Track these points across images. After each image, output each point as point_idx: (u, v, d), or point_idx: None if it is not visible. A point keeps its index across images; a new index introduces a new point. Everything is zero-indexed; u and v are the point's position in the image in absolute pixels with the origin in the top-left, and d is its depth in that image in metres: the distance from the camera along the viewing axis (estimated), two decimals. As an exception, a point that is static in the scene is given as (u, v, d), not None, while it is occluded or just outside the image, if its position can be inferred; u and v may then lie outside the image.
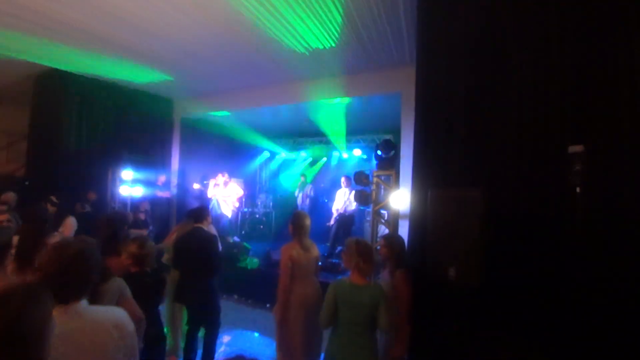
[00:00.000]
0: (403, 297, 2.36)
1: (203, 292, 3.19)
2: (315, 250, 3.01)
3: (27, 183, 5.58)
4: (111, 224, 2.79)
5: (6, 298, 0.83)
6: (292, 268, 2.83)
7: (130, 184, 6.19)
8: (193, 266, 3.18)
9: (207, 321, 3.28)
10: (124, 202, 6.17)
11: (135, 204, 5.98)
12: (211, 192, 7.16)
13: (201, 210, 3.46)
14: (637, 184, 1.79)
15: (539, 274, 1.99)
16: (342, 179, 6.74)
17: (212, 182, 7.20)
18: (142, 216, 5.73)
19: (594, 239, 1.82)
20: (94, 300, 1.79)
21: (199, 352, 3.25)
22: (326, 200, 9.01)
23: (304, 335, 2.76)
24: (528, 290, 2.01)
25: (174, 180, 7.50)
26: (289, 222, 3.02)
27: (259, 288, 5.23)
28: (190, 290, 3.18)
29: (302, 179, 9.11)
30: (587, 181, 1.74)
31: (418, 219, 2.47)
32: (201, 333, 3.29)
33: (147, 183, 6.58)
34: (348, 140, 9.40)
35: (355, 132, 9.19)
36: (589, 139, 1.84)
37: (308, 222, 2.99)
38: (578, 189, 1.74)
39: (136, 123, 6.77)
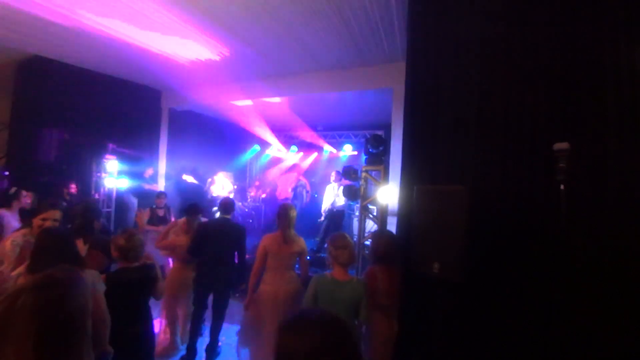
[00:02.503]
0: (371, 291, 2.36)
1: (226, 281, 3.33)
2: (298, 246, 2.94)
3: (7, 173, 5.40)
4: (85, 214, 2.85)
5: (53, 281, 0.95)
6: (266, 258, 2.90)
7: (115, 176, 6.05)
8: (220, 254, 3.30)
9: (217, 311, 3.38)
10: (108, 195, 6.01)
11: (150, 197, 5.30)
12: (212, 189, 7.11)
13: (228, 203, 3.56)
14: (621, 181, 1.81)
15: (522, 270, 2.01)
16: (332, 174, 6.73)
17: (210, 181, 7.13)
18: (160, 212, 5.07)
19: (578, 235, 1.84)
20: None
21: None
22: (316, 195, 9.00)
23: (272, 328, 2.74)
24: (512, 286, 2.03)
25: (162, 172, 7.37)
26: (276, 215, 3.04)
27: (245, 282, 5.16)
28: (213, 278, 3.28)
29: (296, 174, 9.06)
30: (572, 178, 1.76)
31: (405, 214, 2.47)
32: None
33: (134, 175, 6.43)
34: (339, 136, 9.39)
35: (346, 127, 9.18)
36: (574, 136, 1.86)
37: (293, 213, 2.97)
38: (562, 186, 1.75)
39: (122, 113, 6.59)
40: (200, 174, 7.46)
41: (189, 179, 6.95)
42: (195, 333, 3.34)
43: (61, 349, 0.87)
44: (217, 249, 3.31)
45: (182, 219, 3.79)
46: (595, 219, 1.86)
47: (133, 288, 2.22)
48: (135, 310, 2.23)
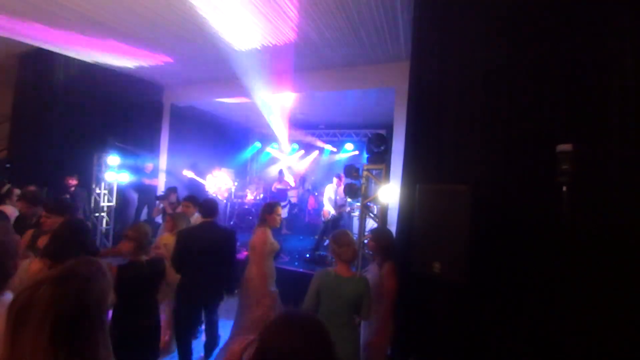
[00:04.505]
0: (389, 288, 2.38)
1: (215, 295, 3.05)
2: (253, 239, 3.22)
3: (8, 166, 5.40)
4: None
5: (73, 274, 0.95)
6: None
7: (116, 170, 6.04)
8: (206, 265, 2.86)
9: (209, 326, 3.21)
10: (109, 189, 6.00)
11: (151, 192, 5.22)
12: (209, 186, 7.07)
13: (213, 204, 3.09)
14: (624, 183, 1.81)
15: (524, 271, 2.01)
16: (334, 179, 6.64)
17: (210, 177, 7.11)
18: (169, 209, 4.82)
19: (580, 237, 1.84)
20: None
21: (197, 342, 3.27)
22: (316, 194, 8.99)
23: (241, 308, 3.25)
24: (513, 287, 2.03)
25: (163, 168, 7.37)
26: None
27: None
28: (199, 294, 2.91)
29: (300, 171, 9.06)
30: (574, 180, 1.75)
31: (406, 213, 2.47)
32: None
33: (134, 170, 6.43)
34: (341, 135, 9.39)
35: (348, 126, 9.18)
36: (577, 138, 1.85)
37: (262, 211, 3.33)
38: (565, 188, 1.75)
39: (124, 108, 6.57)
40: (200, 169, 7.44)
41: (189, 174, 6.93)
42: (184, 356, 2.94)
43: (77, 341, 0.88)
44: (202, 260, 2.83)
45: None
46: (597, 221, 1.85)
47: (141, 282, 2.25)
48: (143, 304, 2.27)
